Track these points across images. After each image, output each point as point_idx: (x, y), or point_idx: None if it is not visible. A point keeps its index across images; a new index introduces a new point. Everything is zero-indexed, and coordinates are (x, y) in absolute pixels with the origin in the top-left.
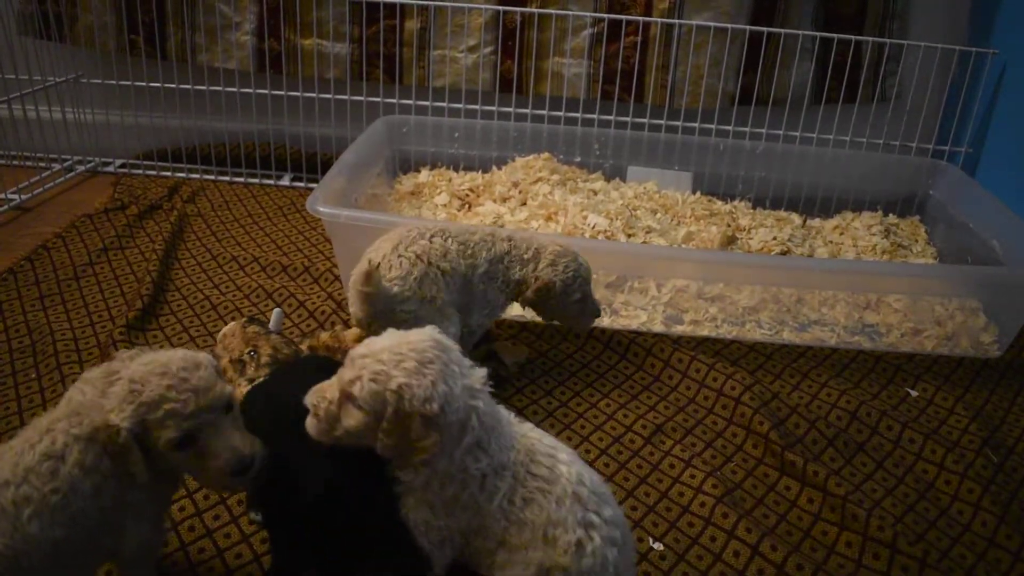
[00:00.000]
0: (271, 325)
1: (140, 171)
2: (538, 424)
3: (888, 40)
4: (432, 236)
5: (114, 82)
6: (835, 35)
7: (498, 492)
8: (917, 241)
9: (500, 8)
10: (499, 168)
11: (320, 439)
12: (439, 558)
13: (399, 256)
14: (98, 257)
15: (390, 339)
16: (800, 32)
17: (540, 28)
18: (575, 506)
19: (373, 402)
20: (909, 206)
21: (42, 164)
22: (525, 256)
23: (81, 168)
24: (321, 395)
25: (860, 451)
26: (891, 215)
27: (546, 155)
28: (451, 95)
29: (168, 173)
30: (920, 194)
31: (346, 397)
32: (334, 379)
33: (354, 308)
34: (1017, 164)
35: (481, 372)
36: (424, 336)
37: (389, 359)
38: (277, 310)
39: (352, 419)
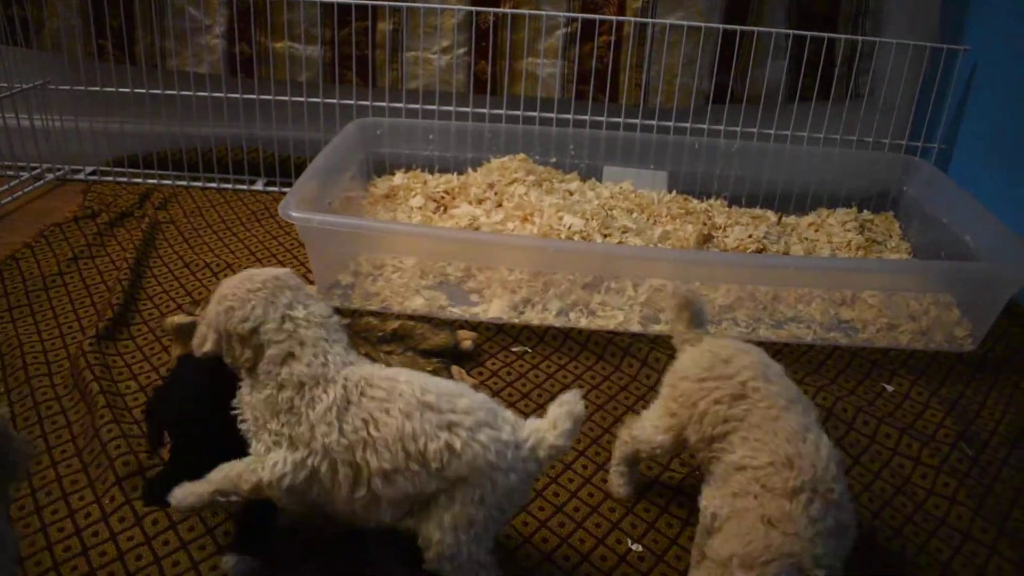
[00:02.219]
0: None
1: (110, 178)
2: None
3: (861, 37)
4: None
5: (83, 88)
6: (808, 33)
7: (320, 402)
8: (891, 236)
9: (473, 8)
10: (474, 170)
11: (199, 353)
12: (271, 458)
13: None
14: (68, 267)
15: (243, 274)
16: (773, 30)
17: (514, 28)
18: (428, 414)
19: (216, 322)
20: (883, 202)
21: (10, 173)
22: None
23: (50, 176)
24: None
25: (837, 447)
26: (865, 211)
27: (521, 156)
28: (425, 97)
29: (139, 180)
30: (894, 190)
31: (205, 320)
32: None
33: None
34: (989, 159)
35: (318, 307)
36: (270, 272)
37: (231, 289)
38: None
39: (208, 339)
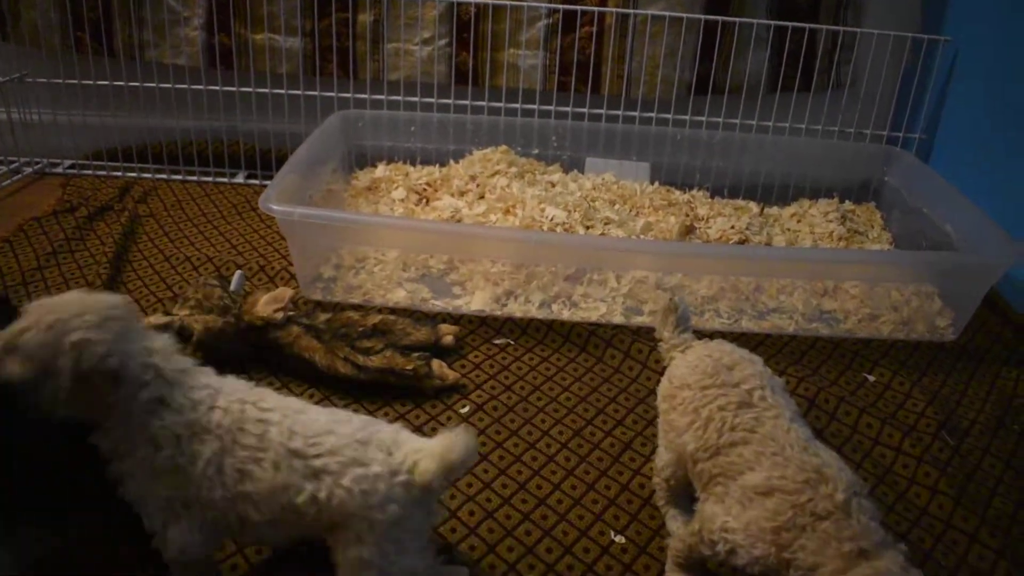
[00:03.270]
0: (232, 285)
1: (90, 172)
2: (497, 420)
3: (842, 28)
4: None
5: (60, 81)
6: (790, 23)
7: (200, 456)
8: (873, 227)
9: (454, 0)
10: (456, 162)
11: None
12: (172, 535)
13: None
14: (47, 261)
15: (74, 295)
16: (755, 21)
17: (495, 19)
18: (295, 462)
19: (43, 353)
20: (865, 192)
21: None
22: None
23: (28, 170)
24: None
25: (819, 438)
26: (847, 202)
27: (503, 148)
28: (406, 88)
29: (119, 173)
30: (875, 180)
31: (9, 349)
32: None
33: None
34: (969, 150)
35: (162, 336)
36: (108, 297)
37: (70, 315)
38: (239, 272)
39: (12, 372)
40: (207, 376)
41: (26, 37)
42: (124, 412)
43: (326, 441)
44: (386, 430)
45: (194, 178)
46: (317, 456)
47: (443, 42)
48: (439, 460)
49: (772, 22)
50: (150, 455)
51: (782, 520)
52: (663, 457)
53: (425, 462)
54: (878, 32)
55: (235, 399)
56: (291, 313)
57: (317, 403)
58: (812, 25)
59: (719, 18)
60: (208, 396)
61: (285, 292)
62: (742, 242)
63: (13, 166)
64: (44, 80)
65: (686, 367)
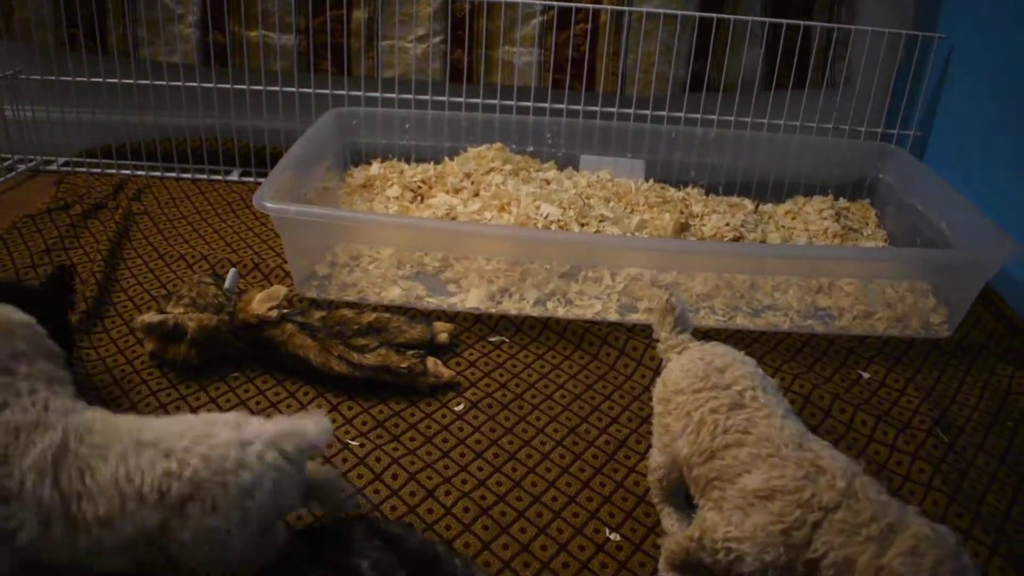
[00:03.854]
0: (226, 283)
1: (84, 169)
2: (492, 416)
3: (836, 25)
4: None
5: (54, 78)
6: (784, 21)
7: (33, 447)
8: (868, 224)
9: None
10: (451, 159)
11: None
12: None
13: None
14: (41, 259)
15: None
16: (749, 18)
17: (490, 16)
18: (145, 451)
19: None
20: (859, 189)
21: None
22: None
23: (22, 167)
24: None
25: (813, 435)
26: (842, 199)
27: (498, 145)
28: (401, 86)
29: (113, 171)
30: (870, 177)
31: None
32: None
33: None
34: (964, 146)
35: (44, 364)
36: (12, 312)
37: None
38: (233, 269)
39: None
40: (73, 398)
41: (19, 34)
42: None
43: (173, 428)
44: (229, 415)
45: (188, 175)
46: (165, 440)
47: (438, 39)
48: (292, 434)
49: (766, 19)
50: None
51: (790, 521)
52: (656, 458)
53: (282, 436)
54: (872, 29)
55: (92, 412)
56: (285, 311)
57: (311, 400)
58: (806, 22)
59: (714, 15)
60: (61, 406)
61: (279, 290)
62: (737, 239)
63: (7, 163)
64: (37, 77)
65: (680, 370)
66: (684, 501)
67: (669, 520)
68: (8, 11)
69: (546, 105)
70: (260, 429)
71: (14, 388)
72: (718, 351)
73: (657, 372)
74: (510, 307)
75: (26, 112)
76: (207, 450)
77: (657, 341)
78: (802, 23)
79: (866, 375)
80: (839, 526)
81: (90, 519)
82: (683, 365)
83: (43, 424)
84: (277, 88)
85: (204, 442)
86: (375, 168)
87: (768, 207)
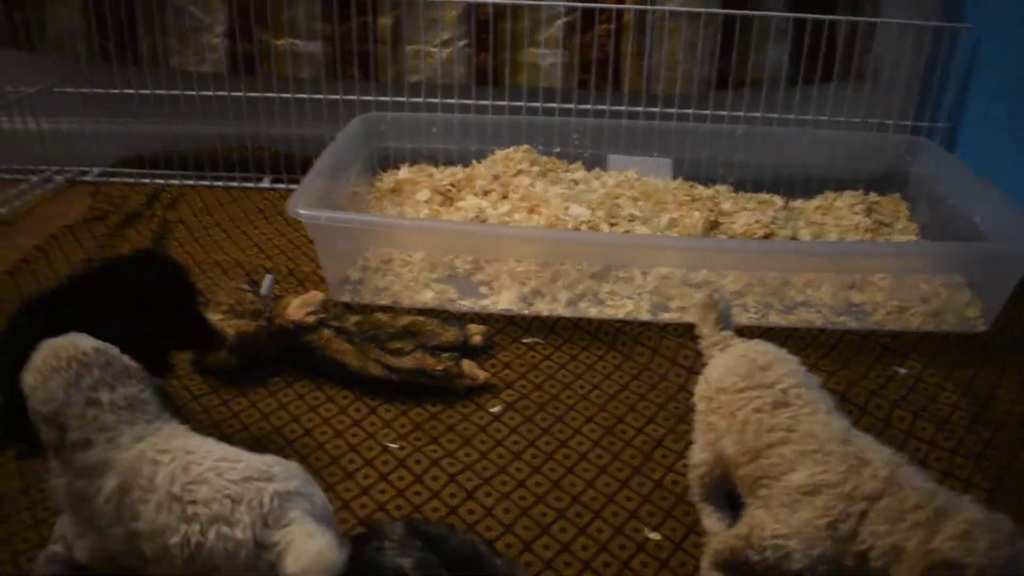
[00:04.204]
0: (262, 289)
1: (118, 179)
2: (529, 418)
3: (861, 18)
4: None
5: (87, 90)
6: (808, 16)
7: (103, 489)
8: (899, 218)
9: (473, 0)
10: (479, 162)
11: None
12: (80, 546)
13: None
14: (80, 268)
15: (48, 346)
16: (774, 14)
17: (514, 19)
18: (175, 506)
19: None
20: (890, 183)
21: (19, 177)
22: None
23: (59, 178)
24: None
25: None
26: (872, 193)
27: (525, 147)
28: (427, 90)
29: (147, 180)
30: (900, 171)
31: None
32: None
33: None
34: (994, 137)
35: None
36: (78, 347)
37: (34, 364)
38: (269, 275)
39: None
40: (148, 421)
41: (53, 47)
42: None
43: (200, 491)
44: (269, 492)
45: (220, 183)
46: (192, 502)
47: (463, 43)
48: (306, 565)
49: (791, 14)
50: (72, 482)
51: (835, 514)
52: (698, 455)
53: (293, 560)
54: (898, 22)
55: (151, 441)
56: (322, 316)
57: (349, 404)
58: (831, 16)
59: (738, 12)
60: (124, 438)
61: (316, 296)
62: (767, 236)
63: (44, 175)
64: (71, 90)
65: (723, 368)
66: (724, 500)
67: (709, 519)
68: (41, 25)
69: (572, 106)
70: (287, 541)
71: (93, 426)
72: (761, 349)
73: (691, 370)
74: (542, 308)
75: (61, 124)
76: (217, 540)
77: (699, 338)
78: (827, 17)
79: (902, 371)
80: (884, 514)
81: (148, 555)
82: (726, 363)
83: (110, 464)
84: (305, 95)
85: (220, 526)
86: (404, 172)
87: (798, 203)
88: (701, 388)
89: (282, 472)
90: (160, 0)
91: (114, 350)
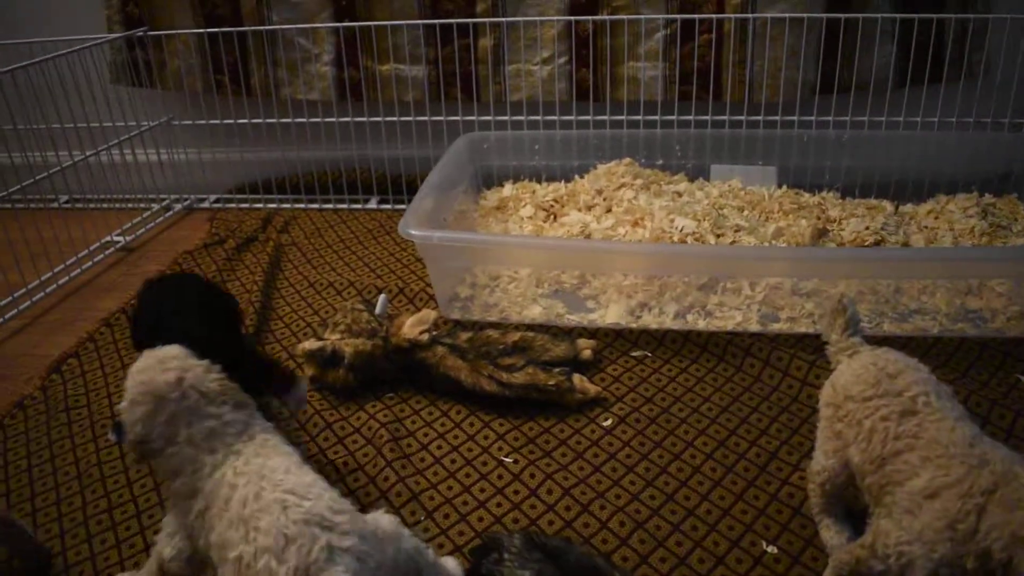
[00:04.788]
0: (377, 309)
1: (233, 205)
2: (641, 431)
3: (972, 15)
4: None
5: (204, 121)
6: (916, 15)
7: (191, 510)
8: (1017, 220)
9: (572, 18)
10: (581, 177)
11: None
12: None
13: None
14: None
15: (147, 364)
16: (879, 15)
17: (613, 34)
18: (241, 526)
19: None
20: (1006, 184)
21: (142, 205)
22: None
23: (178, 206)
24: None
25: None
26: (987, 195)
27: (627, 160)
28: (529, 108)
29: (260, 205)
30: (1016, 171)
31: None
32: None
33: None
34: None
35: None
36: (173, 372)
37: (132, 381)
38: (382, 295)
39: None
40: (222, 453)
41: (171, 83)
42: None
43: (263, 519)
44: (321, 542)
45: (330, 206)
46: (255, 528)
47: (562, 60)
48: None
49: (897, 15)
50: (175, 494)
51: (953, 513)
52: (820, 462)
53: None
54: (1011, 16)
55: (221, 468)
56: (435, 334)
57: (464, 419)
58: (940, 15)
59: (841, 15)
60: (212, 460)
61: (429, 314)
62: (878, 243)
63: (165, 203)
64: (189, 122)
65: (851, 375)
66: (843, 513)
67: (828, 532)
68: (161, 63)
69: (673, 117)
70: None
71: (175, 459)
72: (890, 357)
73: (804, 381)
74: (650, 321)
75: (179, 155)
76: (272, 565)
77: (827, 344)
78: (935, 16)
79: None
80: (1001, 505)
81: (215, 562)
82: (854, 370)
83: (196, 490)
84: (410, 118)
85: (269, 559)
86: (507, 190)
87: (909, 208)
88: (828, 394)
89: (345, 525)
90: (270, 34)
91: (193, 376)
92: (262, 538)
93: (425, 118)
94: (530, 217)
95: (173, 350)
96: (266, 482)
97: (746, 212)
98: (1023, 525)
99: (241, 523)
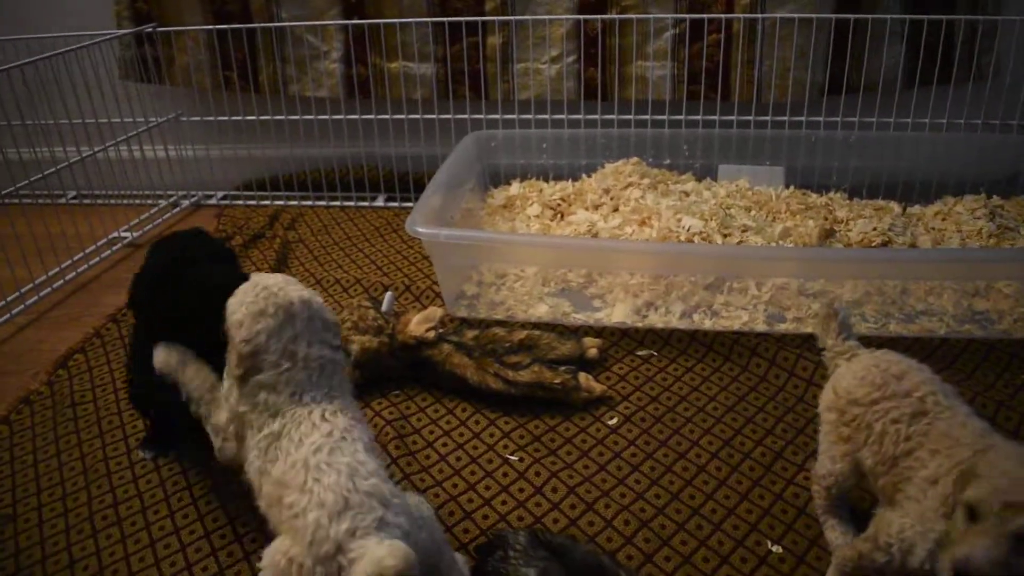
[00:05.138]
0: (383, 306)
1: (241, 202)
2: (646, 430)
3: (981, 17)
4: None
5: (212, 118)
6: (925, 16)
7: (265, 427)
8: None
9: (580, 17)
10: (589, 176)
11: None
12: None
13: None
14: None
15: (262, 285)
16: (888, 16)
17: (621, 33)
18: (303, 472)
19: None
20: (1014, 186)
21: (149, 201)
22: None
23: (186, 203)
24: None
25: None
26: (995, 196)
27: (635, 159)
28: (537, 106)
29: (267, 202)
30: None
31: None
32: None
33: None
34: None
35: (319, 348)
36: (289, 295)
37: (245, 301)
38: (389, 293)
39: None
40: (328, 397)
41: (180, 79)
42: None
43: (300, 501)
44: (372, 513)
45: (337, 203)
46: (316, 480)
47: (571, 59)
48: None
49: (906, 16)
50: (248, 412)
51: (946, 494)
52: (826, 466)
53: (363, 568)
54: (1020, 19)
55: (300, 412)
56: (441, 331)
57: (469, 416)
58: (949, 16)
59: (851, 16)
60: (291, 399)
61: (436, 312)
62: (885, 244)
63: (172, 199)
64: (197, 118)
65: (852, 379)
66: (848, 513)
67: (833, 532)
68: (170, 60)
69: (681, 117)
70: (359, 545)
71: (284, 376)
72: (892, 358)
73: (810, 381)
74: (656, 320)
75: (187, 151)
76: (323, 521)
77: (823, 349)
78: (945, 17)
79: None
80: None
81: (262, 494)
82: (856, 373)
83: (282, 411)
84: (418, 116)
85: (306, 522)
86: (515, 188)
87: (916, 209)
88: (829, 399)
89: (400, 507)
90: (279, 31)
91: (318, 301)
92: (321, 492)
93: (433, 116)
94: (537, 216)
95: (290, 279)
96: (346, 443)
97: (753, 212)
98: (1007, 492)
99: (304, 469)
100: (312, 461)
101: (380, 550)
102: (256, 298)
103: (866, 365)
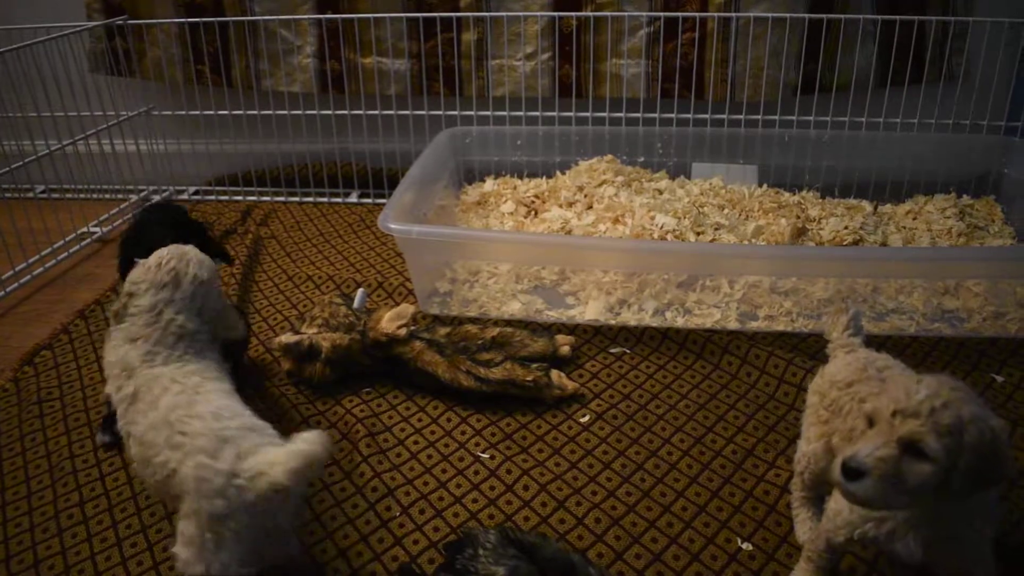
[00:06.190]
0: (355, 303)
1: (213, 197)
2: (618, 428)
3: (952, 18)
4: None
5: (183, 112)
6: (897, 17)
7: (123, 389)
8: (994, 221)
9: (555, 14)
10: (563, 173)
11: None
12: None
13: None
14: None
15: (173, 249)
16: (861, 16)
17: (596, 31)
18: (164, 430)
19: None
20: (983, 185)
21: (120, 196)
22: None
23: (156, 198)
24: None
25: None
26: (965, 196)
27: (609, 157)
28: (511, 103)
29: (240, 197)
30: (994, 173)
31: None
32: None
33: None
34: None
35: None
36: (188, 261)
37: (160, 256)
38: (361, 289)
39: None
40: (185, 353)
41: (151, 73)
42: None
43: (193, 424)
44: (250, 439)
45: (310, 199)
46: (181, 432)
47: (546, 56)
48: (280, 471)
49: (879, 16)
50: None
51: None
52: (801, 448)
53: (266, 475)
54: (991, 20)
55: (167, 366)
56: (413, 328)
57: (441, 414)
58: (921, 17)
59: (824, 16)
60: (159, 358)
61: (407, 309)
62: (856, 242)
63: (143, 194)
64: (168, 112)
65: (841, 365)
66: (820, 510)
67: (802, 527)
68: (141, 53)
69: (655, 115)
70: (259, 464)
71: (146, 329)
72: (883, 356)
73: (781, 379)
74: (629, 318)
75: (159, 145)
76: (196, 466)
77: (828, 342)
78: (916, 18)
79: (1000, 378)
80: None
81: (132, 455)
82: (845, 361)
83: (134, 372)
84: (392, 111)
85: (201, 457)
86: (489, 185)
87: (888, 208)
88: (815, 383)
89: (272, 434)
90: (252, 25)
91: (213, 286)
92: (191, 442)
93: (407, 112)
94: (511, 213)
95: (187, 250)
96: (200, 395)
97: (726, 210)
98: (898, 401)
99: (167, 426)
100: (172, 417)
101: (283, 449)
102: (161, 257)
103: (858, 357)
